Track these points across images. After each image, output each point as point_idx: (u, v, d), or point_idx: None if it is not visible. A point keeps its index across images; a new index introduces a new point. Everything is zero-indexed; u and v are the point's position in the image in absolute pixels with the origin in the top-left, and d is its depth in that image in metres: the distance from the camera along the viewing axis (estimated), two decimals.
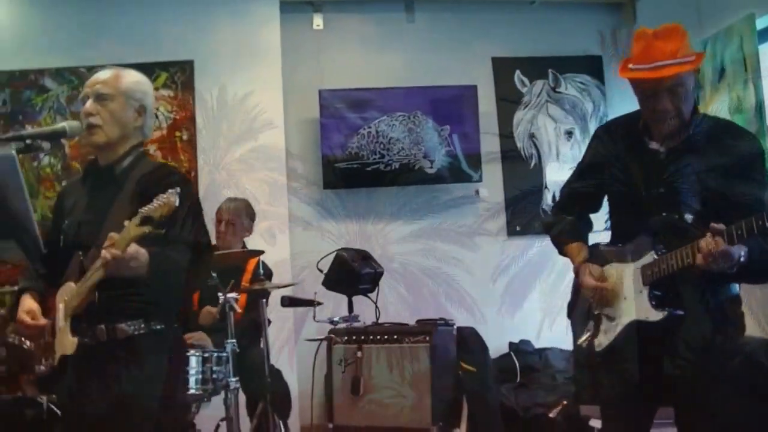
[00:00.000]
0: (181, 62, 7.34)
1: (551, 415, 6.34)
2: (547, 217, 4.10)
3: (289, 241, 7.45)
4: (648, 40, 3.49)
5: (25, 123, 7.33)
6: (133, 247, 3.08)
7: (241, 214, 6.22)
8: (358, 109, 7.74)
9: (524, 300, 7.92)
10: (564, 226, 3.97)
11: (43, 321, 3.49)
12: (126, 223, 3.18)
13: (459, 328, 6.17)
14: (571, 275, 3.90)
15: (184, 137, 7.25)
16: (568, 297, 3.96)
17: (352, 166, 7.68)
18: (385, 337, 5.72)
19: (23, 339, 5.57)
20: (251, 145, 7.41)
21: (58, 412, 5.08)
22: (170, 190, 2.96)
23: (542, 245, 7.63)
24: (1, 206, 3.08)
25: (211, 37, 7.50)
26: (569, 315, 3.97)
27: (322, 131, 7.68)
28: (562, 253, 4.00)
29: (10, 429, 5.33)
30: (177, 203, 2.93)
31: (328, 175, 7.68)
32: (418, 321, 6.13)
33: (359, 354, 5.69)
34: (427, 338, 5.60)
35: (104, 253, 3.07)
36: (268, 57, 7.54)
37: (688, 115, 3.52)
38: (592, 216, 4.02)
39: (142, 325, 3.40)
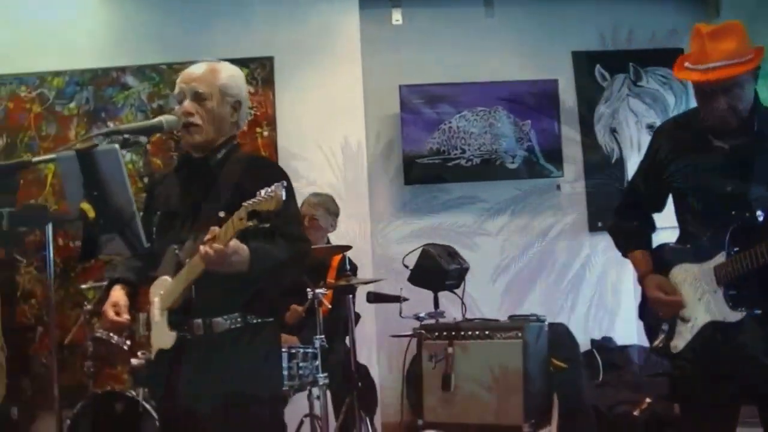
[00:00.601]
0: (261, 59, 7.35)
1: (636, 413, 6.26)
2: (613, 218, 4.03)
3: (371, 237, 7.42)
4: (702, 41, 3.43)
5: (107, 120, 7.41)
6: (234, 242, 3.05)
7: (324, 210, 6.20)
8: (439, 104, 7.71)
9: (609, 295, 7.82)
10: (628, 232, 3.93)
11: (125, 317, 3.49)
12: (221, 214, 3.17)
13: (550, 324, 6.10)
14: None
15: (265, 133, 7.25)
16: None
17: (433, 161, 7.64)
18: (476, 332, 5.65)
19: (111, 334, 5.61)
20: (332, 142, 7.40)
21: (147, 405, 5.11)
22: (276, 184, 2.90)
23: None
24: (106, 200, 3.08)
25: (291, 33, 7.50)
26: (641, 316, 3.92)
27: (402, 127, 7.65)
28: (625, 256, 3.95)
29: (101, 423, 5.35)
30: (284, 197, 2.88)
31: (409, 170, 7.65)
32: (510, 317, 6.07)
33: (450, 350, 5.63)
34: (519, 334, 5.53)
35: (206, 247, 3.04)
36: (347, 53, 7.53)
37: (746, 112, 3.47)
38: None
39: (239, 319, 3.39)
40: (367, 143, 7.53)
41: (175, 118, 3.45)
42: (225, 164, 3.54)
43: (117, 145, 3.11)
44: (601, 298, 7.80)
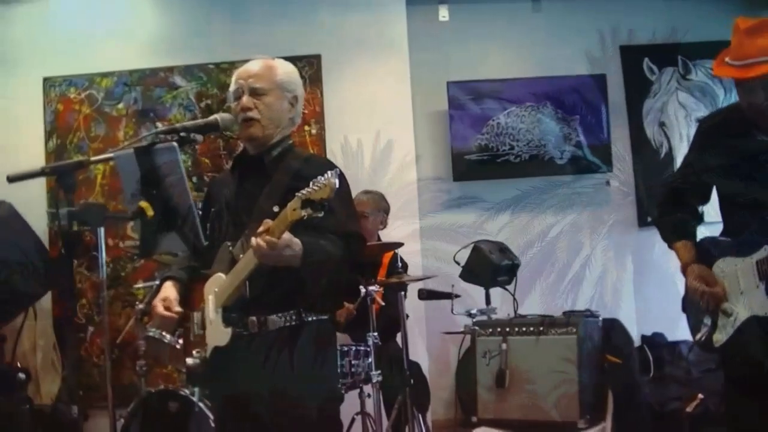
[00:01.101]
0: (309, 57, 7.34)
1: (688, 410, 6.20)
2: (658, 211, 4.01)
3: (420, 234, 7.40)
4: (740, 36, 3.40)
5: (155, 120, 7.45)
6: (287, 235, 3.03)
7: (375, 207, 6.18)
8: (487, 100, 7.68)
9: (657, 291, 7.74)
10: (672, 223, 3.90)
11: (176, 310, 3.49)
12: (276, 209, 3.16)
13: (603, 320, 6.06)
14: None
15: (313, 131, 7.25)
16: None
17: (481, 157, 7.62)
18: (531, 328, 5.62)
19: (164, 333, 5.62)
20: (380, 139, 7.38)
21: (202, 405, 5.12)
22: (330, 172, 2.89)
23: None
24: (164, 198, 3.09)
25: (338, 31, 7.50)
26: (684, 309, 3.89)
27: (450, 123, 7.63)
28: (670, 248, 3.92)
29: (154, 422, 5.36)
30: (337, 185, 2.86)
31: (457, 167, 7.63)
32: (564, 312, 6.03)
33: (504, 346, 5.60)
34: (574, 330, 5.49)
35: (258, 240, 3.04)
36: (394, 50, 7.51)
37: None
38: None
39: (294, 317, 3.37)
40: (415, 140, 7.49)
41: (230, 116, 3.46)
42: (280, 162, 3.53)
43: (175, 143, 3.12)
44: (653, 293, 7.72)
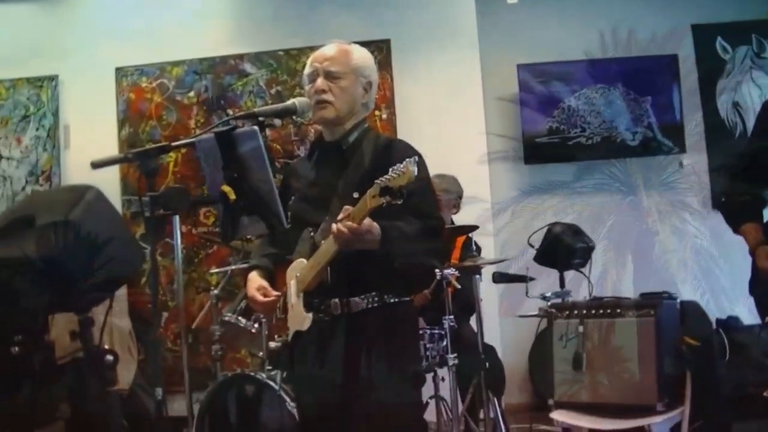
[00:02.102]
0: (378, 41, 7.34)
1: (765, 394, 6.11)
2: (724, 194, 3.96)
3: (492, 217, 7.38)
4: None
5: (226, 108, 7.52)
6: (368, 220, 3.04)
7: (448, 191, 6.16)
8: (557, 82, 7.67)
9: (730, 274, 7.66)
10: (738, 206, 3.84)
11: (273, 295, 3.51)
12: (356, 195, 3.16)
13: (681, 302, 5.99)
14: None
15: (384, 116, 7.27)
16: None
17: (552, 140, 7.59)
18: (608, 311, 5.55)
19: (239, 317, 5.67)
20: (450, 122, 7.36)
21: (278, 388, 5.13)
22: (408, 159, 2.88)
23: None
24: (246, 182, 3.10)
25: (407, 15, 7.50)
26: (751, 292, 3.83)
27: (521, 106, 7.60)
28: (736, 232, 3.87)
29: (231, 405, 5.40)
30: (416, 173, 2.86)
31: (529, 150, 7.62)
32: (641, 294, 5.97)
33: (581, 329, 5.56)
34: (652, 312, 5.41)
35: (339, 226, 3.05)
36: (464, 33, 7.48)
37: None
38: None
39: (376, 299, 3.38)
40: (486, 124, 7.46)
41: (307, 100, 3.46)
42: (358, 146, 3.54)
43: (257, 128, 3.13)
44: (726, 276, 7.63)
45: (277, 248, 3.70)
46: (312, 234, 3.42)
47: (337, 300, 3.35)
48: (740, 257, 7.39)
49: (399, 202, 2.92)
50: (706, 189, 7.81)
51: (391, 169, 2.89)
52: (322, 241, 3.29)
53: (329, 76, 3.50)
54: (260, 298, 3.51)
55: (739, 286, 7.18)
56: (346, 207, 3.09)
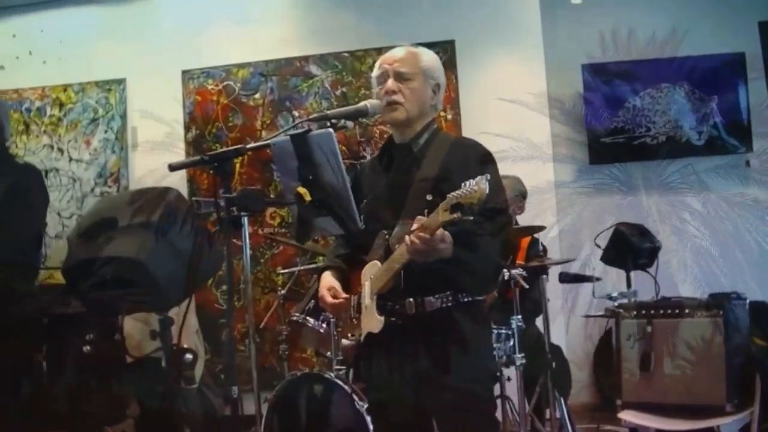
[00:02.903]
0: (442, 42, 7.33)
1: None
2: None
3: (557, 217, 7.36)
4: None
5: (292, 109, 7.58)
6: (440, 231, 3.06)
7: (512, 191, 6.15)
8: (622, 81, 7.62)
9: (728, 276, 7.58)
10: None
11: (344, 296, 3.55)
12: (429, 197, 3.18)
13: (750, 302, 5.94)
14: None
15: (449, 117, 7.27)
16: None
17: (617, 140, 7.55)
18: (676, 311, 5.54)
19: (307, 318, 5.71)
20: (515, 122, 7.31)
21: (346, 387, 5.17)
22: (479, 177, 2.88)
23: None
24: (321, 183, 3.14)
25: (471, 15, 7.48)
26: None
27: (585, 106, 7.57)
28: None
29: (300, 404, 5.44)
30: (487, 190, 2.87)
31: (594, 150, 7.57)
32: (710, 295, 5.93)
33: (649, 329, 5.55)
34: (720, 312, 5.39)
35: (412, 237, 3.08)
36: (528, 33, 7.45)
37: None
38: None
39: (450, 298, 3.39)
40: (550, 123, 7.44)
41: (378, 102, 3.49)
42: (429, 147, 3.56)
43: (331, 129, 3.17)
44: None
45: (350, 248, 3.73)
46: (387, 237, 3.44)
47: (411, 299, 3.37)
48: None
49: (470, 218, 2.93)
50: None
51: (463, 184, 2.89)
52: (396, 246, 3.31)
53: (399, 77, 3.52)
54: (329, 299, 3.56)
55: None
56: (419, 217, 3.11)
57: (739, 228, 7.73)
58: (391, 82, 3.53)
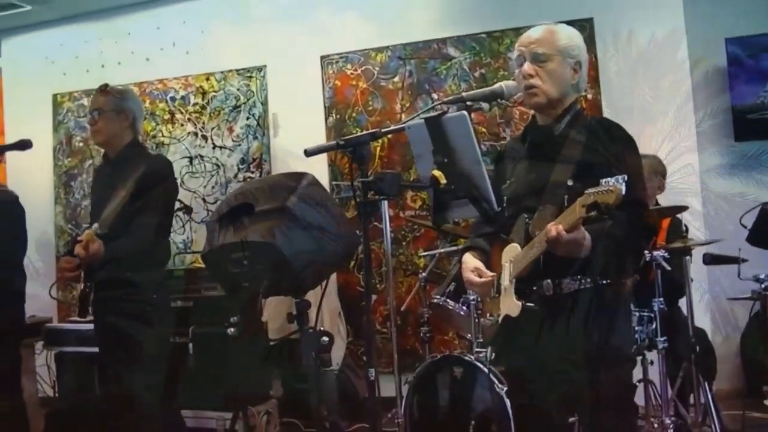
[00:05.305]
0: (581, 21, 7.17)
1: None
2: None
3: (701, 196, 7.19)
4: None
5: (431, 92, 7.58)
6: (581, 233, 3.05)
7: (652, 171, 6.04)
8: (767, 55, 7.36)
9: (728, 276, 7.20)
10: None
11: (489, 276, 3.53)
12: (569, 182, 3.14)
13: None
14: None
15: (589, 96, 7.14)
16: None
17: (764, 116, 7.31)
18: None
19: (448, 300, 5.72)
20: (657, 101, 7.17)
21: (487, 369, 5.16)
22: (618, 176, 2.84)
23: None
24: (456, 166, 3.14)
25: None
26: None
27: (730, 81, 7.35)
28: None
29: (440, 386, 5.45)
30: (623, 192, 2.80)
31: (739, 127, 7.35)
32: None
33: None
34: None
35: (550, 227, 3.06)
36: (668, 6, 7.24)
37: None
38: None
39: (588, 279, 3.35)
40: (694, 100, 7.24)
41: (514, 84, 3.46)
42: (571, 131, 3.50)
43: (465, 112, 3.16)
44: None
45: (492, 227, 3.70)
46: (527, 221, 3.42)
47: (549, 281, 3.36)
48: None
49: (605, 217, 2.89)
50: None
51: (602, 182, 2.85)
52: (537, 232, 3.29)
53: (536, 59, 3.49)
54: (476, 279, 3.55)
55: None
56: (564, 213, 3.10)
57: None
58: (527, 65, 3.50)
